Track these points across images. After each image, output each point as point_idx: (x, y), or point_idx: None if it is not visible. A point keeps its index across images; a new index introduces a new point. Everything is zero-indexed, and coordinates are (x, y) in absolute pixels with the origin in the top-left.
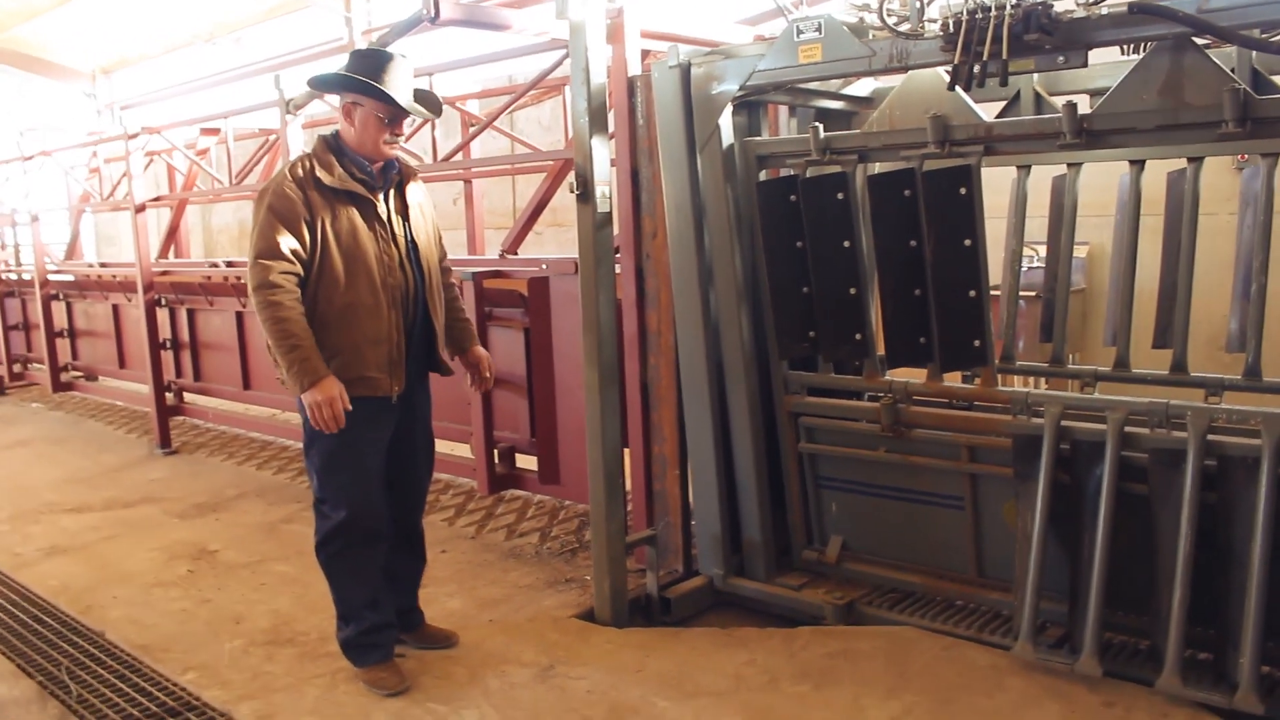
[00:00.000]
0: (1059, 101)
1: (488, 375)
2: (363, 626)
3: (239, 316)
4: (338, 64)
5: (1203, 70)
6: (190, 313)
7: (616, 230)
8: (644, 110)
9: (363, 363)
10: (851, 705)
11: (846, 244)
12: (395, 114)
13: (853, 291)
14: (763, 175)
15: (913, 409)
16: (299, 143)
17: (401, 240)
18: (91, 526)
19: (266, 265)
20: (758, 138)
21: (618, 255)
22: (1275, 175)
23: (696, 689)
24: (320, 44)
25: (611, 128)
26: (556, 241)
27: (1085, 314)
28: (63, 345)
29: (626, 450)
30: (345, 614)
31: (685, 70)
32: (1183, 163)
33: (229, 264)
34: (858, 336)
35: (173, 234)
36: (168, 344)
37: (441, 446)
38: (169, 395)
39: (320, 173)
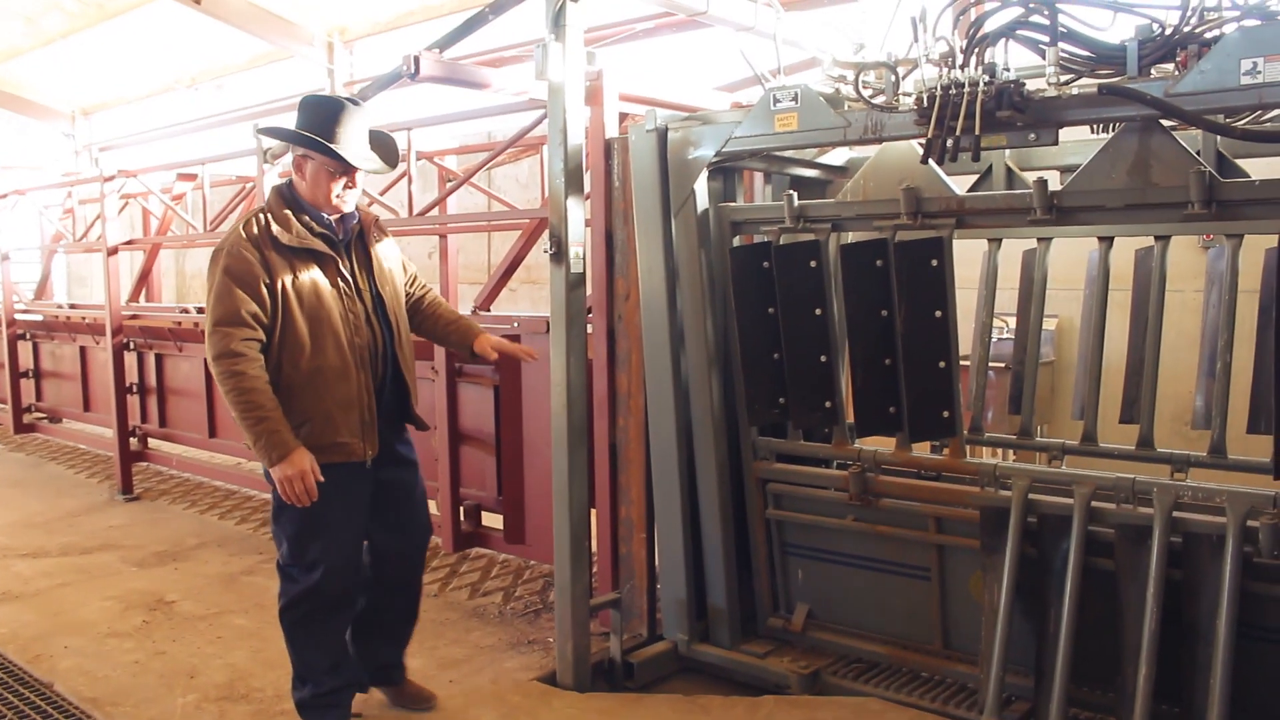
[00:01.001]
0: (1030, 177)
1: (517, 350)
2: (321, 689)
3: (207, 363)
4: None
5: (1169, 152)
6: (158, 357)
7: (589, 291)
8: (620, 172)
9: (334, 429)
10: None
11: (818, 312)
12: (346, 167)
13: (823, 359)
14: (736, 241)
15: (881, 478)
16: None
17: (367, 295)
18: (46, 572)
19: (227, 333)
20: (732, 204)
21: (590, 315)
22: (1239, 256)
23: None
24: (301, 93)
25: (588, 188)
26: (531, 298)
27: (1054, 386)
28: (27, 386)
29: (593, 511)
30: (303, 675)
31: (662, 134)
32: (1151, 240)
33: (200, 310)
34: (827, 404)
35: (144, 278)
36: (134, 388)
37: None
38: (133, 440)
39: (277, 230)
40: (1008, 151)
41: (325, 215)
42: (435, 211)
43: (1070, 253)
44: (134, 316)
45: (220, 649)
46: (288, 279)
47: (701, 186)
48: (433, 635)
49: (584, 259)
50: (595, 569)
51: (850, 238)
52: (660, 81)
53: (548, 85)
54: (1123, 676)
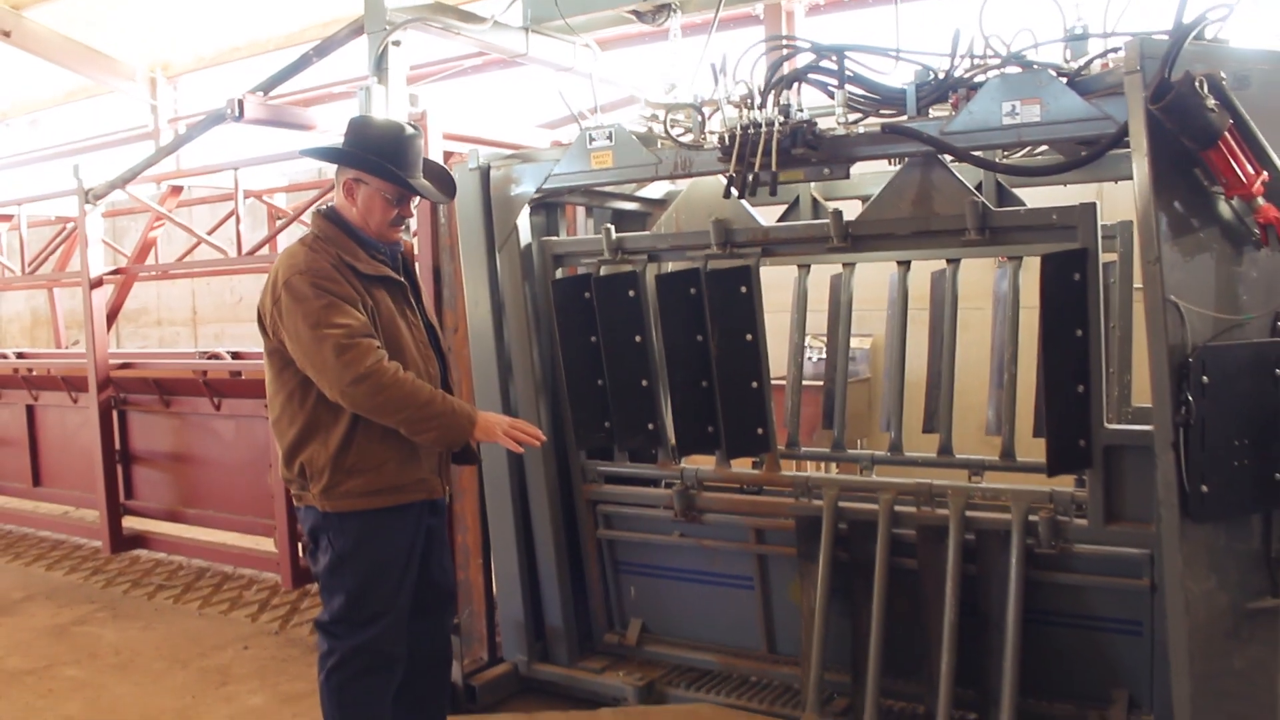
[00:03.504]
0: (834, 207)
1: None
2: None
3: (29, 410)
4: (143, 151)
5: (948, 184)
6: None
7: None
8: (446, 209)
9: (417, 465)
10: None
11: (638, 339)
12: (404, 194)
13: (644, 384)
14: (559, 273)
15: (703, 494)
16: (99, 232)
17: (421, 326)
18: None
19: (361, 344)
20: (554, 238)
21: None
22: (1020, 276)
23: None
24: (124, 130)
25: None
26: None
27: (871, 402)
28: None
29: None
30: None
31: (485, 172)
32: (944, 263)
33: (19, 355)
34: (650, 426)
35: None
36: None
37: (243, 540)
38: None
39: (350, 258)
40: (813, 184)
41: (379, 244)
42: (265, 250)
43: (884, 275)
44: None
45: (52, 702)
46: (371, 306)
47: (524, 222)
48: (275, 672)
49: None
50: None
51: (670, 268)
52: (485, 120)
53: None
54: (928, 666)
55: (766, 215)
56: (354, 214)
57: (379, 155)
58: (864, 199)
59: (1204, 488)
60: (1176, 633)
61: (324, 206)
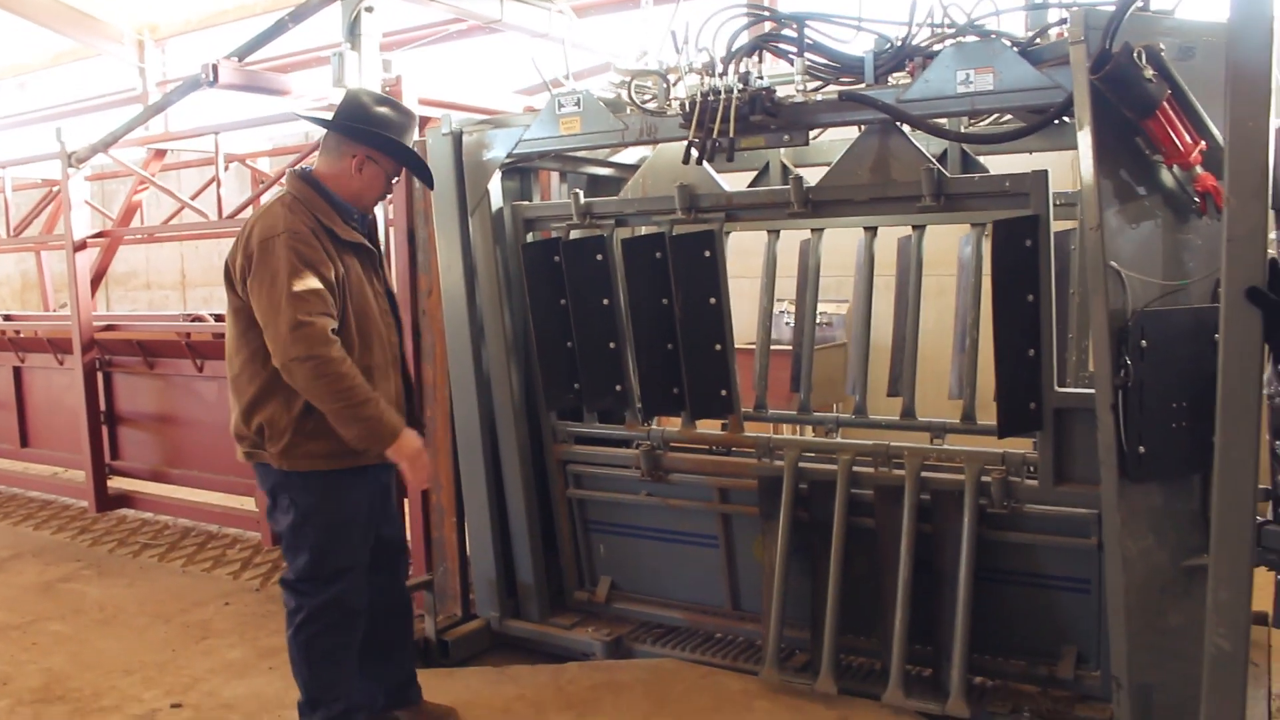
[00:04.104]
0: (803, 173)
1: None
2: (333, 712)
3: (16, 372)
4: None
5: (906, 151)
6: None
7: (395, 288)
8: None
9: None
10: None
11: (606, 302)
12: (397, 172)
13: (612, 346)
14: (531, 237)
15: (670, 455)
16: (84, 194)
17: (384, 293)
18: None
19: (316, 323)
20: (526, 202)
21: None
22: (983, 242)
23: None
24: (112, 93)
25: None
26: None
27: (846, 367)
28: None
29: (406, 500)
30: (316, 698)
31: (457, 138)
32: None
33: (6, 317)
34: (618, 388)
35: None
36: None
37: (227, 500)
38: None
39: (328, 222)
40: (782, 150)
41: (356, 211)
42: (248, 213)
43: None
44: None
45: (35, 655)
46: (342, 272)
47: (496, 187)
48: (254, 627)
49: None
50: (411, 554)
51: (643, 232)
52: (461, 86)
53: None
54: (884, 622)
55: (738, 181)
56: (352, 185)
57: (396, 136)
58: (831, 165)
59: (1141, 449)
60: (1114, 589)
61: (299, 168)
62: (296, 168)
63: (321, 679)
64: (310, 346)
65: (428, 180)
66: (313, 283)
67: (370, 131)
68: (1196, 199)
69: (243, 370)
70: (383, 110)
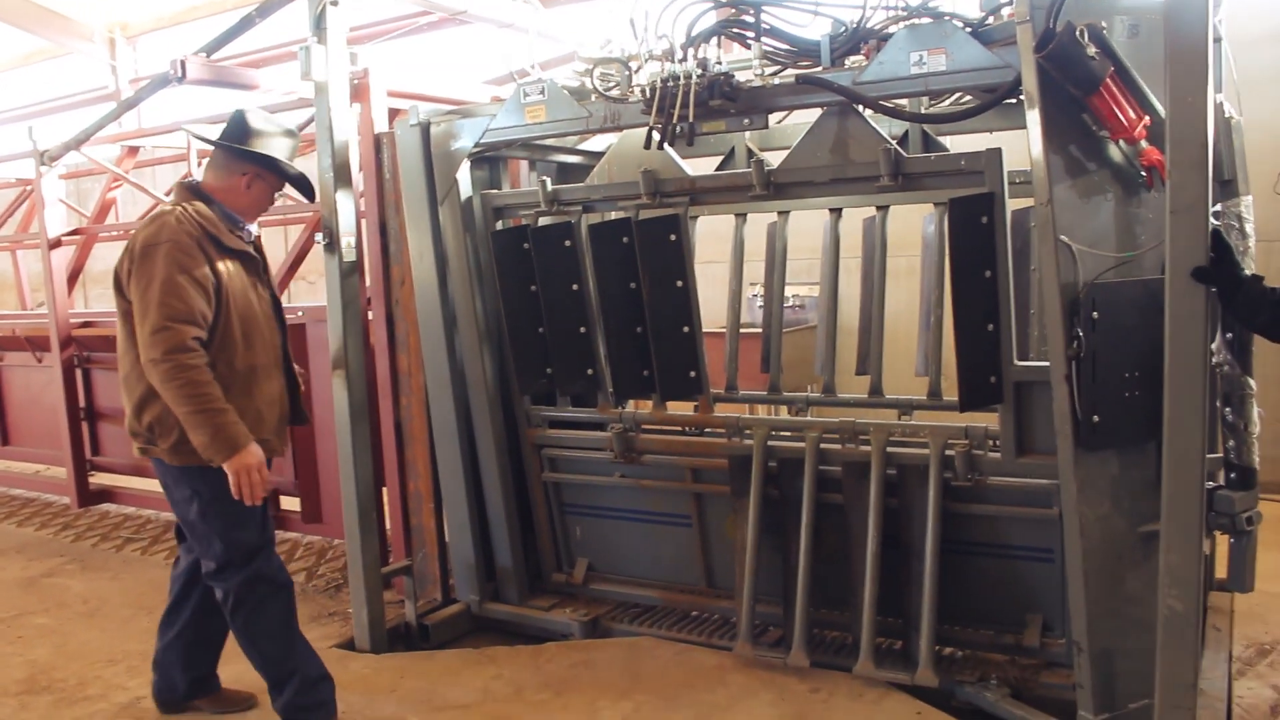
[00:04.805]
0: (769, 156)
1: None
2: (298, 684)
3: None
4: (102, 112)
5: (864, 132)
6: None
7: (369, 280)
8: (390, 165)
9: (263, 426)
10: (588, 708)
11: (575, 287)
12: (281, 187)
13: (583, 331)
14: (500, 225)
15: (642, 436)
16: (58, 193)
17: (268, 297)
18: None
19: (179, 329)
20: (494, 191)
21: (371, 302)
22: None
23: (445, 703)
24: (84, 91)
25: (362, 182)
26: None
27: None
28: None
29: (385, 489)
30: (277, 676)
31: (425, 128)
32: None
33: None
34: (589, 372)
35: None
36: None
37: None
38: None
39: (215, 231)
40: (748, 134)
41: (244, 222)
42: None
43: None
44: None
45: (20, 648)
46: (225, 278)
47: (464, 176)
48: None
49: (358, 248)
50: (391, 541)
51: (612, 218)
52: (429, 77)
53: (314, 85)
54: (854, 596)
55: (704, 167)
56: (239, 200)
57: (282, 156)
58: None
59: (1095, 418)
60: (1073, 556)
61: (189, 180)
62: (186, 180)
63: (273, 657)
64: (168, 350)
65: (309, 195)
66: (185, 293)
67: (260, 155)
68: (1143, 173)
69: (132, 369)
70: (269, 130)
